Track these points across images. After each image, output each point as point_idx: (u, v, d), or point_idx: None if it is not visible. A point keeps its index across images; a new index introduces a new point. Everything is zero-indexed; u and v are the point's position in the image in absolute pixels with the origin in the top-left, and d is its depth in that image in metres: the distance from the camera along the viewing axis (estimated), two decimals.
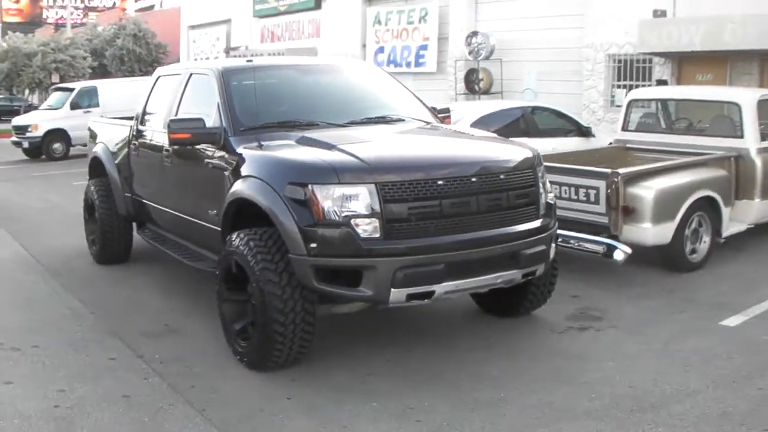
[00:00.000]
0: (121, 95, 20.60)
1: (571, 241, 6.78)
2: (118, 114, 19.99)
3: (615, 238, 6.85)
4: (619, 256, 6.52)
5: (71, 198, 12.96)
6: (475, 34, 16.69)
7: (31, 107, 29.29)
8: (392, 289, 4.47)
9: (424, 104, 6.50)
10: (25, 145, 20.06)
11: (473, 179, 4.79)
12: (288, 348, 4.68)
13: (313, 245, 4.46)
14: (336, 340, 5.41)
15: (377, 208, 4.46)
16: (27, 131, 19.98)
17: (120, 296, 6.85)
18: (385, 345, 5.38)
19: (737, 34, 11.41)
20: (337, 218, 4.46)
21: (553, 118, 10.77)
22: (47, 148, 20.06)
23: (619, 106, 14.25)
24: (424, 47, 18.48)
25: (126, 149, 7.44)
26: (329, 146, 4.88)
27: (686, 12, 12.81)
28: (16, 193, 14.14)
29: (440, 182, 4.65)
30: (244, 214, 5.10)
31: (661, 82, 13.50)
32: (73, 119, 20.14)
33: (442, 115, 6.52)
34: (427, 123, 6.12)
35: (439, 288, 4.62)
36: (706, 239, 7.47)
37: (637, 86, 13.88)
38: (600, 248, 6.66)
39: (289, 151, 4.99)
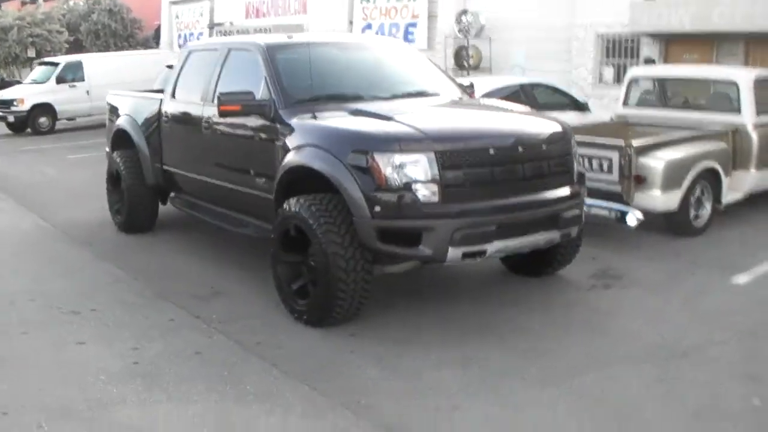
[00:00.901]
0: (106, 69, 20.70)
1: (587, 207, 7.19)
2: (104, 87, 20.18)
3: (626, 204, 7.29)
4: (632, 221, 6.98)
5: (70, 171, 13.15)
6: (465, 12, 16.99)
7: (5, 82, 28.86)
8: (450, 249, 4.83)
9: (452, 79, 6.84)
10: (10, 119, 19.95)
11: (519, 148, 5.17)
12: (348, 304, 5.03)
13: (377, 209, 4.79)
14: (385, 299, 5.73)
15: (436, 174, 4.81)
16: (12, 105, 19.86)
17: (157, 263, 7.09)
18: (429, 303, 5.76)
19: (725, 15, 11.90)
20: (398, 184, 4.79)
21: (550, 94, 11.17)
22: (33, 123, 19.96)
23: (606, 83, 14.80)
24: (413, 24, 18.73)
25: (156, 122, 7.64)
26: (386, 117, 5.21)
27: None
28: (11, 166, 14.15)
29: (491, 151, 5.01)
30: (297, 181, 5.40)
31: (649, 61, 14.00)
32: (59, 93, 20.15)
33: (469, 89, 6.88)
34: (460, 97, 6.47)
35: (491, 247, 4.99)
36: (708, 206, 7.95)
37: (625, 65, 14.37)
38: (614, 214, 7.11)
39: (349, 121, 5.31)
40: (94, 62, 20.93)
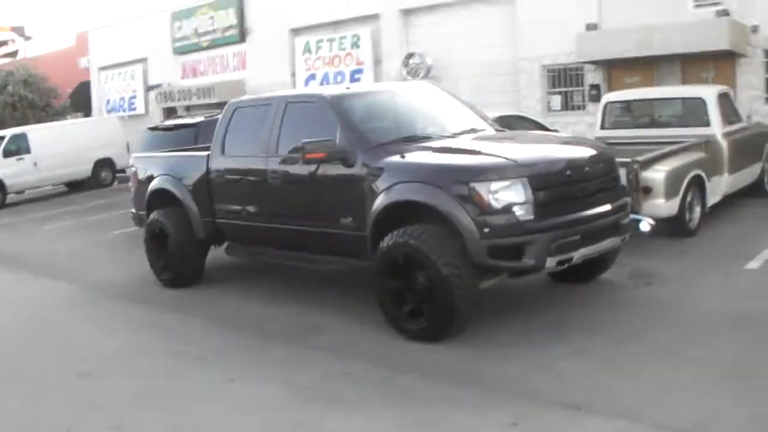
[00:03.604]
0: (50, 140, 20.70)
1: None
2: (50, 158, 20.08)
3: (635, 214, 8.26)
4: (645, 227, 7.88)
5: (59, 241, 13.21)
6: (411, 55, 18.07)
7: None
8: (547, 258, 5.61)
9: (482, 114, 7.70)
10: None
11: (586, 168, 6.05)
12: (464, 317, 5.72)
13: (486, 230, 5.54)
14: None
15: (529, 196, 5.61)
16: None
17: (233, 310, 7.45)
18: (504, 316, 6.47)
19: (664, 40, 13.34)
20: (500, 207, 5.56)
21: (522, 122, 12.25)
22: None
23: (555, 110, 16.07)
24: (359, 71, 19.66)
25: (203, 178, 8.11)
26: (473, 152, 6.00)
27: (612, 23, 14.71)
28: None
29: (568, 172, 5.87)
30: (388, 216, 6.09)
31: (594, 87, 15.37)
32: (7, 167, 19.91)
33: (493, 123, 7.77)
34: (498, 130, 7.34)
35: (576, 254, 5.82)
36: (698, 209, 9.05)
37: (571, 92, 15.72)
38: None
39: (443, 157, 6.07)
40: (37, 133, 20.85)
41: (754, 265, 7.45)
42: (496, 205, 5.57)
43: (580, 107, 16.06)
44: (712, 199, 9.46)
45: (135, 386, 5.49)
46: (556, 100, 16.24)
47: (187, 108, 23.43)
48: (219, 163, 7.94)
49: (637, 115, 10.60)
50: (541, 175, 5.72)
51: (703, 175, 9.07)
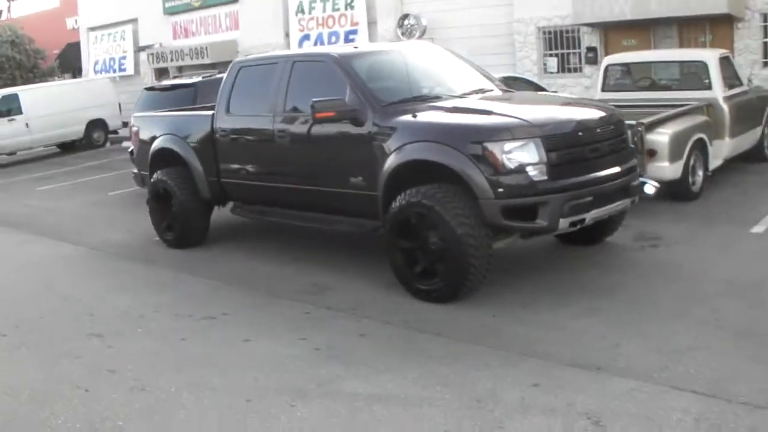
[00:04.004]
0: (41, 100, 20.44)
1: None
2: (42, 119, 19.91)
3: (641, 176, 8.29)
4: (650, 189, 7.93)
5: (54, 201, 13.13)
6: (406, 16, 17.90)
7: None
8: (560, 219, 5.63)
9: (488, 74, 7.66)
10: None
11: (597, 130, 6.05)
12: (477, 278, 5.75)
13: (500, 190, 5.55)
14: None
15: (543, 156, 5.61)
16: None
17: (240, 270, 7.45)
18: (519, 277, 6.53)
19: (662, 2, 13.27)
20: (514, 167, 5.56)
21: (521, 84, 12.20)
22: None
23: (551, 72, 16.01)
24: (353, 32, 19.45)
25: (208, 137, 8.05)
26: (486, 112, 5.98)
27: None
28: None
29: (580, 133, 5.86)
30: (400, 176, 6.07)
31: (591, 49, 15.30)
32: None
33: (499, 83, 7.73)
34: (506, 90, 7.32)
35: (588, 216, 5.84)
36: (700, 173, 9.09)
37: (567, 54, 15.65)
38: None
39: (456, 117, 6.04)
40: (29, 94, 20.57)
41: (758, 229, 7.50)
42: (510, 165, 5.57)
43: (576, 69, 16.00)
44: (714, 162, 9.49)
45: (149, 347, 5.48)
46: (552, 62, 16.17)
47: (180, 69, 23.16)
48: (224, 123, 7.88)
49: (638, 78, 10.58)
50: (554, 136, 5.71)
51: (706, 138, 9.09)
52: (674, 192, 8.85)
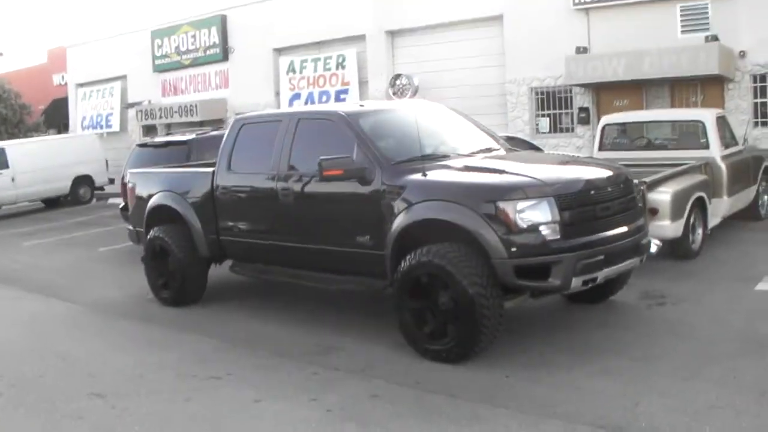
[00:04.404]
0: (29, 155, 20.33)
1: None
2: (28, 174, 19.77)
3: None
4: (653, 248, 7.93)
5: (42, 257, 12.90)
6: (398, 76, 18.09)
7: None
8: (573, 278, 5.57)
9: (492, 133, 7.68)
10: None
11: (608, 188, 6.03)
12: (489, 337, 5.64)
13: (513, 249, 5.48)
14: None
15: (556, 215, 5.57)
16: None
17: (242, 330, 7.26)
18: (522, 337, 6.42)
19: (654, 64, 13.51)
20: (527, 226, 5.51)
21: (518, 144, 12.28)
22: None
23: (543, 132, 16.18)
24: (344, 91, 19.63)
25: (208, 194, 7.96)
26: (498, 171, 5.95)
27: (600, 48, 14.86)
28: None
29: (592, 192, 5.84)
30: (409, 235, 6.01)
31: (583, 110, 15.49)
32: None
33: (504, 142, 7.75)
34: (511, 149, 7.32)
35: (600, 274, 5.78)
36: (700, 231, 9.10)
37: (559, 114, 15.82)
38: None
39: (468, 176, 6.00)
40: (16, 149, 20.47)
41: (763, 286, 7.49)
42: (523, 224, 5.52)
43: (568, 129, 16.18)
44: (713, 221, 9.52)
45: (153, 408, 5.30)
46: (544, 122, 16.36)
47: (168, 126, 23.18)
48: (225, 180, 7.81)
49: (634, 138, 10.68)
50: (567, 195, 5.68)
51: (705, 197, 9.14)
52: (675, 251, 8.84)
